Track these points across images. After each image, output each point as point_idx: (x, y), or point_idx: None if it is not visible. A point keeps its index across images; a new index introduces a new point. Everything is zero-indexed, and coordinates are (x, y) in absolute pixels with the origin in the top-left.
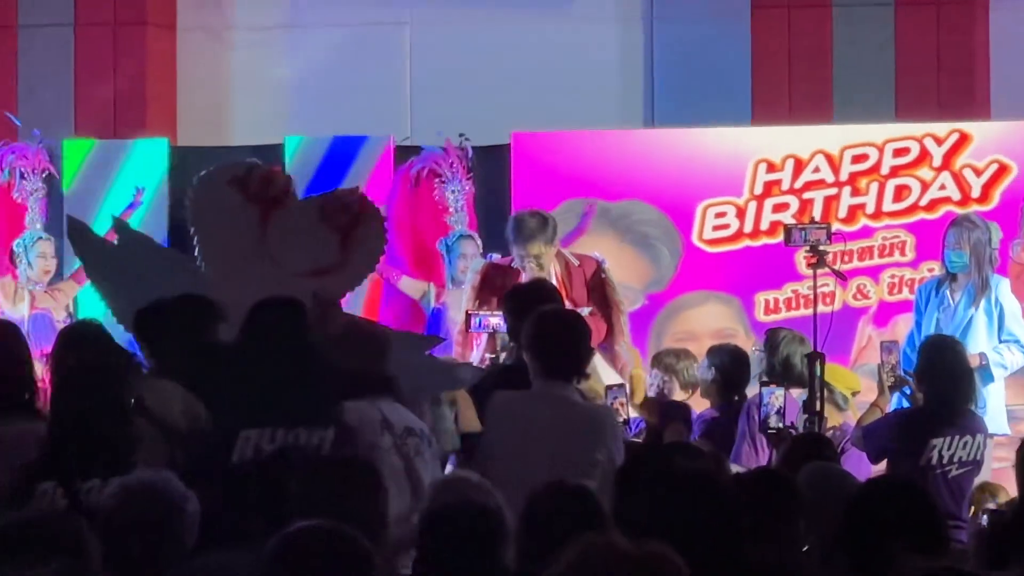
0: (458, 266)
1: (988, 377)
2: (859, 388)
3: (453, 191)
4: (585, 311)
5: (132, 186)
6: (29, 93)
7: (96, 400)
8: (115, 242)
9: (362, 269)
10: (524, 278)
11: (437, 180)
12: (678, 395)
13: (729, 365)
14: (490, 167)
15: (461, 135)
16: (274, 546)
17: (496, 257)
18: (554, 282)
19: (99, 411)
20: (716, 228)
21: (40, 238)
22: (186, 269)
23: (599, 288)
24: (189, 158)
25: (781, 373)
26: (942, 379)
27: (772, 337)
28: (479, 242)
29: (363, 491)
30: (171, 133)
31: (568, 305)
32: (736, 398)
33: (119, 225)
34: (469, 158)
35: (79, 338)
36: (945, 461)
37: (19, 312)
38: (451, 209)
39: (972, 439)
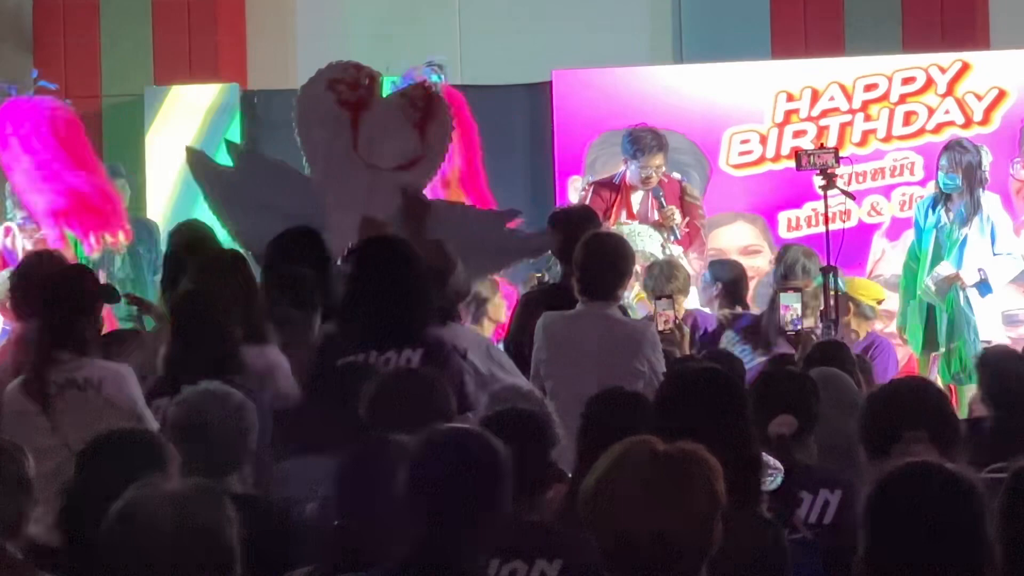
0: None
1: (987, 289)
2: (883, 296)
3: None
4: (682, 221)
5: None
6: (111, 46)
7: (207, 323)
8: (230, 165)
9: (437, 158)
10: (640, 191)
11: None
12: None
13: (731, 279)
14: (533, 102)
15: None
16: (420, 447)
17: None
18: (661, 191)
19: (208, 333)
20: (741, 154)
21: None
22: (297, 178)
23: (682, 202)
24: (258, 101)
25: (783, 277)
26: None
27: (783, 251)
28: None
29: (427, 403)
30: (241, 79)
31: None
32: (739, 308)
33: (231, 147)
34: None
35: (207, 262)
36: None
37: None
38: None
39: None
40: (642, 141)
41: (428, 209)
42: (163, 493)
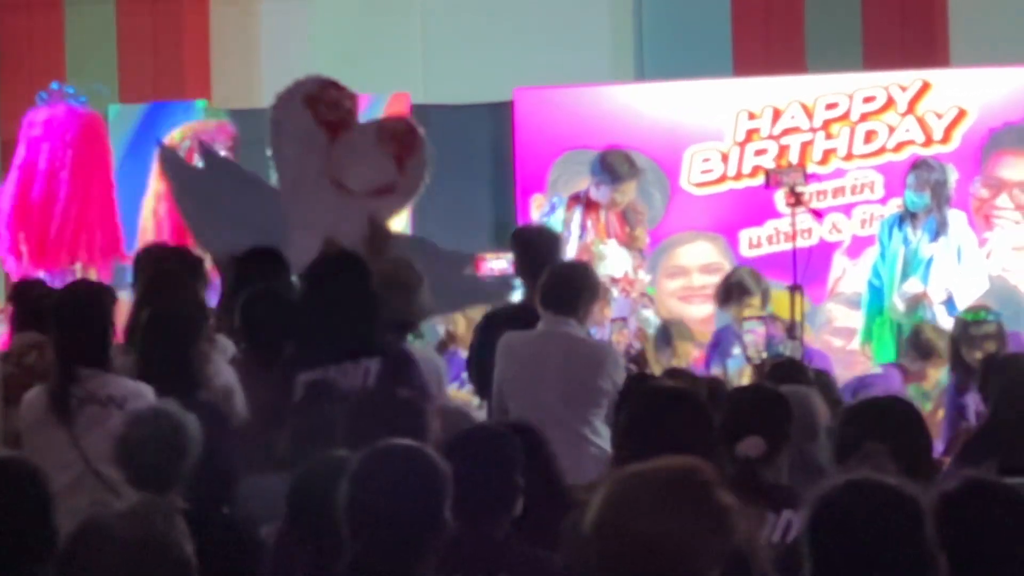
0: None
1: (953, 308)
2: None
3: None
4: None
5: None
6: (76, 64)
7: (176, 345)
8: (200, 165)
9: (410, 193)
10: (613, 211)
11: None
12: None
13: None
14: (495, 120)
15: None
16: (360, 463)
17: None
18: (636, 215)
19: (176, 355)
20: (702, 172)
21: None
22: (264, 190)
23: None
24: (224, 119)
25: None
26: None
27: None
28: None
29: (405, 428)
30: (207, 97)
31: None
32: None
33: (202, 149)
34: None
35: (167, 282)
36: None
37: None
38: None
39: None
40: (619, 170)
41: (390, 240)
42: (116, 512)
